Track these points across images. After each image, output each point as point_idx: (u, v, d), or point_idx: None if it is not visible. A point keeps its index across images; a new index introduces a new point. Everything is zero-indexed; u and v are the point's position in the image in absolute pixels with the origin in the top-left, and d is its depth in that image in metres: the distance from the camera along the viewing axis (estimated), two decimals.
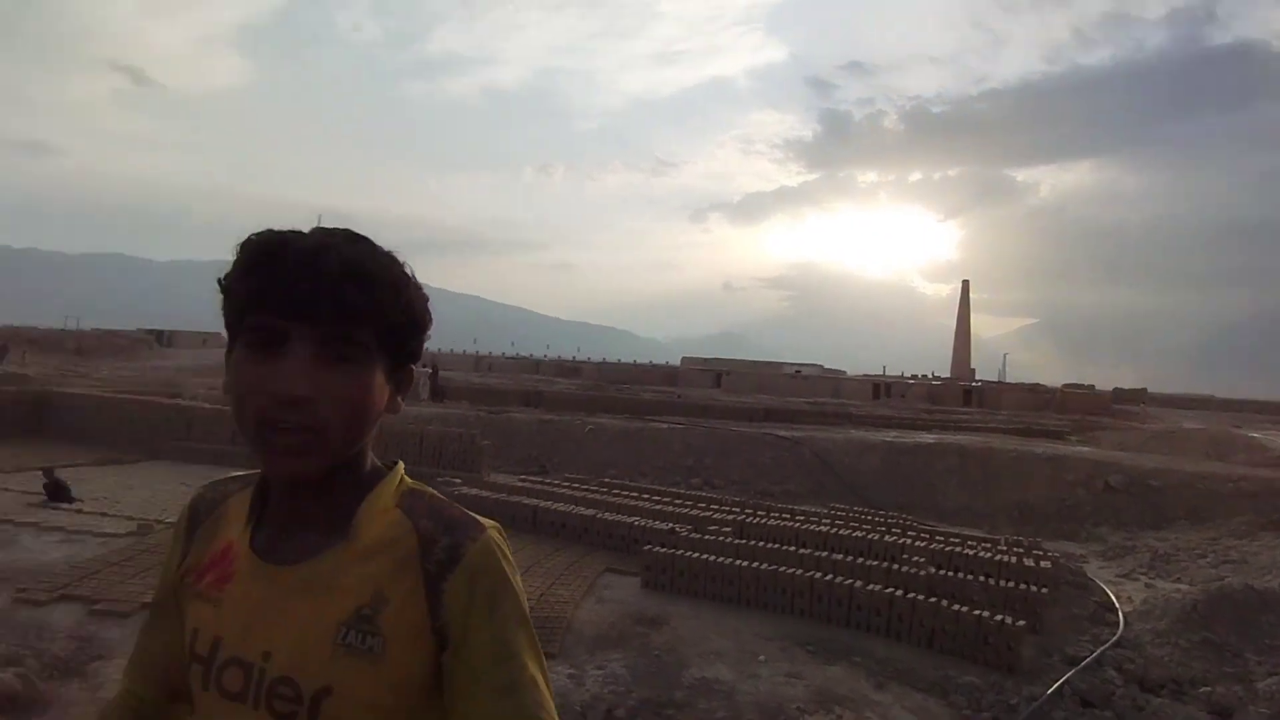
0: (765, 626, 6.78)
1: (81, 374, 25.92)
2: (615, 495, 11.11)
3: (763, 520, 9.47)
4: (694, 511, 9.90)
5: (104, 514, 9.22)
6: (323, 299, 0.76)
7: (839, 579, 7.01)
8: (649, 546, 7.82)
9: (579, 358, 55.81)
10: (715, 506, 10.72)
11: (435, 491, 0.90)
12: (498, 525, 0.87)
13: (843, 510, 11.17)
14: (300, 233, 0.81)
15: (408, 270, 0.85)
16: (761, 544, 8.19)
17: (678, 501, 11.02)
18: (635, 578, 7.67)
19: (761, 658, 6.15)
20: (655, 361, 59.79)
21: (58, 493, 9.75)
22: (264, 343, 0.78)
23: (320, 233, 0.82)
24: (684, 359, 62.30)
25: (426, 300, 0.87)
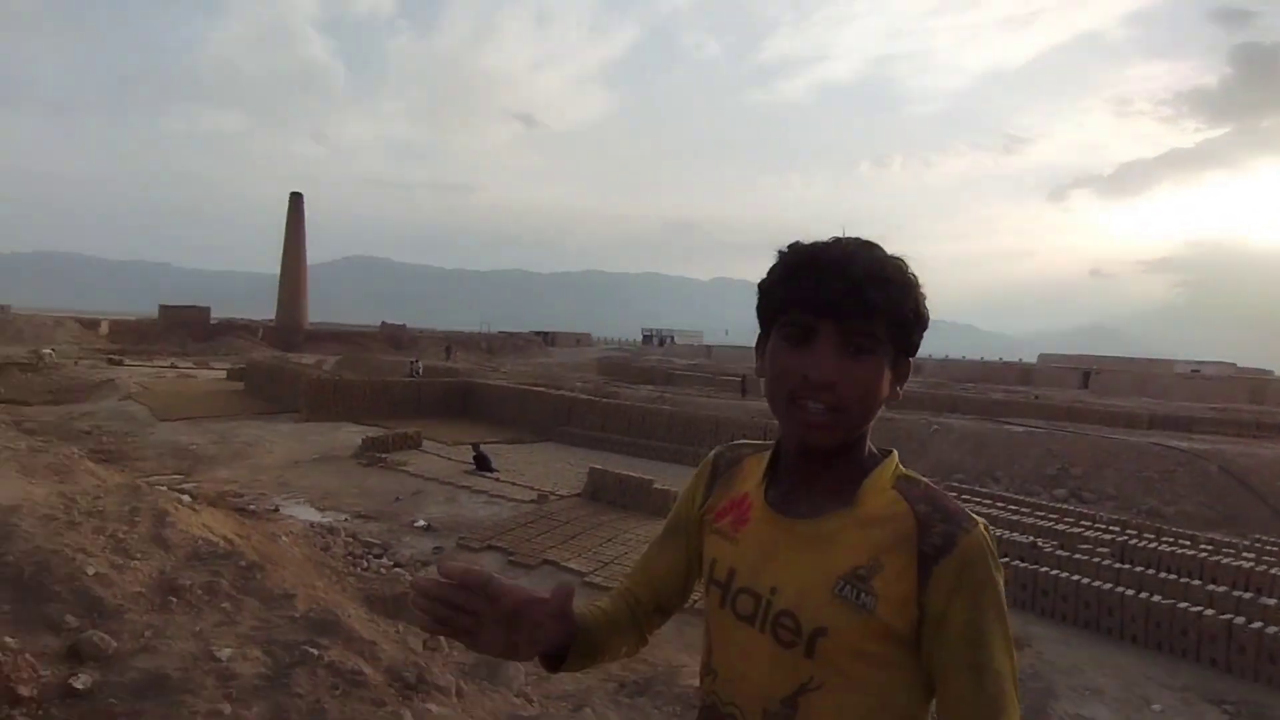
0: (1158, 669, 5.82)
1: (493, 368, 31.95)
2: (964, 500, 10.36)
3: (1151, 545, 8.06)
4: (1059, 526, 8.83)
5: (514, 483, 11.33)
6: (848, 300, 0.91)
7: (1273, 629, 5.70)
8: (1005, 559, 7.20)
9: (919, 355, 52.72)
10: (1087, 523, 9.41)
11: (929, 481, 0.99)
12: (986, 523, 0.94)
13: (1273, 544, 8.96)
14: (827, 243, 0.96)
15: (912, 273, 0.96)
16: (1150, 572, 7.00)
17: (1039, 513, 9.91)
18: None
19: (1156, 707, 5.31)
20: (1005, 358, 53.66)
21: (483, 463, 12.20)
22: (799, 336, 0.94)
23: (845, 242, 0.96)
24: (1041, 356, 54.86)
25: (924, 299, 0.97)
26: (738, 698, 0.99)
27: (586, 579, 7.20)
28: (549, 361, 43.55)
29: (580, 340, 62.45)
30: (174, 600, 4.05)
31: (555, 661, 1.04)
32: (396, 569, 7.47)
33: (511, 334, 60.71)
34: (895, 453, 1.02)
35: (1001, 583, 0.92)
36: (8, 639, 3.29)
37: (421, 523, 9.21)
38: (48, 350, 28.83)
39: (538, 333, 63.71)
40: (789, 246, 0.99)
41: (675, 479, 12.31)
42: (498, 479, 11.62)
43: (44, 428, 13.94)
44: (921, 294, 0.96)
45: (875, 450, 1.02)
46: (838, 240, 0.96)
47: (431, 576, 0.92)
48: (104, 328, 44.91)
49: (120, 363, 28.15)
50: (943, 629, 0.89)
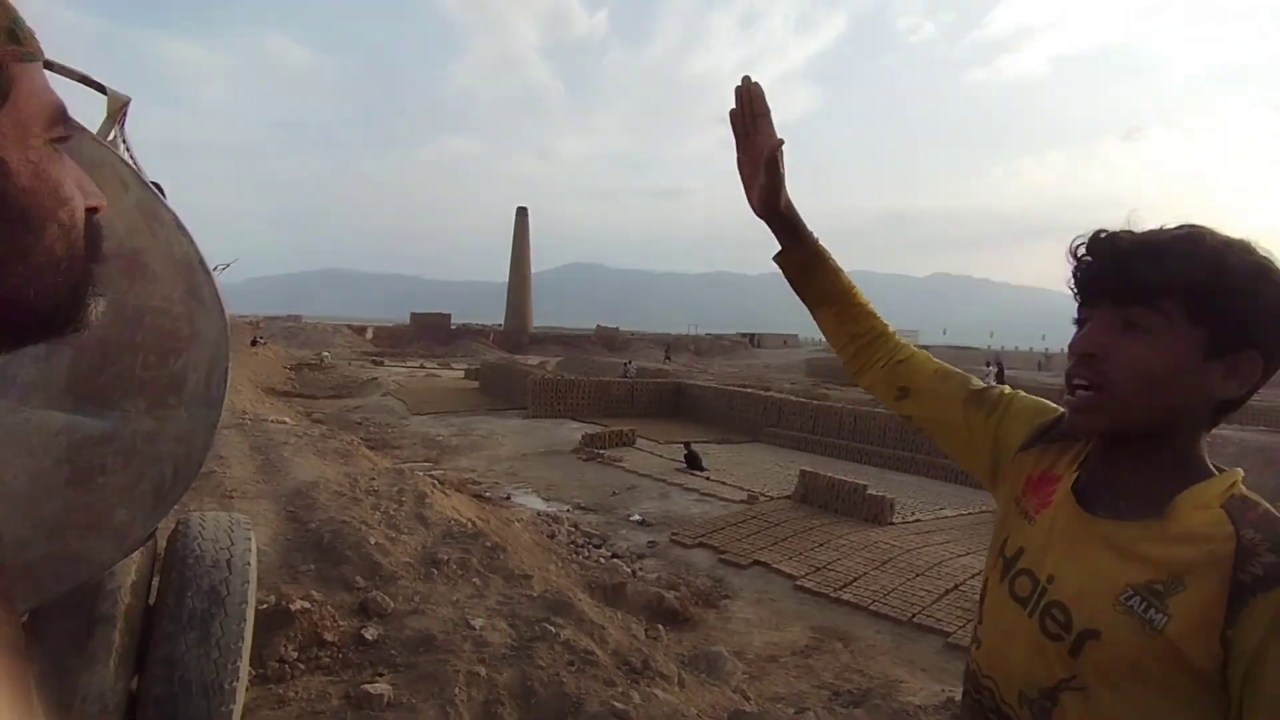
0: None
1: (701, 369, 32.56)
2: None
3: None
4: None
5: (723, 483, 11.47)
6: (1108, 275, 0.88)
7: None
8: None
9: None
10: None
11: (1273, 508, 0.86)
12: None
13: None
14: (1104, 229, 0.92)
15: (1238, 252, 0.84)
16: None
17: None
18: None
19: None
20: None
21: (693, 462, 12.50)
22: (1082, 320, 0.93)
23: (1124, 228, 0.91)
24: None
25: (1271, 283, 0.83)
26: (997, 674, 0.98)
27: (799, 582, 7.13)
28: (756, 363, 43.46)
29: (787, 342, 61.56)
30: (435, 571, 4.64)
31: (772, 229, 1.24)
32: (615, 560, 7.90)
33: (719, 336, 61.39)
34: (1239, 471, 0.91)
35: None
36: (314, 593, 3.97)
37: (636, 517, 9.64)
38: (326, 353, 34.21)
39: (744, 334, 63.78)
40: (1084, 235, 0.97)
41: (890, 485, 11.74)
42: (708, 478, 11.84)
43: (328, 418, 16.48)
44: (1260, 274, 0.83)
45: (1212, 465, 0.91)
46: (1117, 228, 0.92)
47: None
48: (369, 333, 52.17)
49: (381, 363, 32.60)
50: (1257, 672, 0.78)
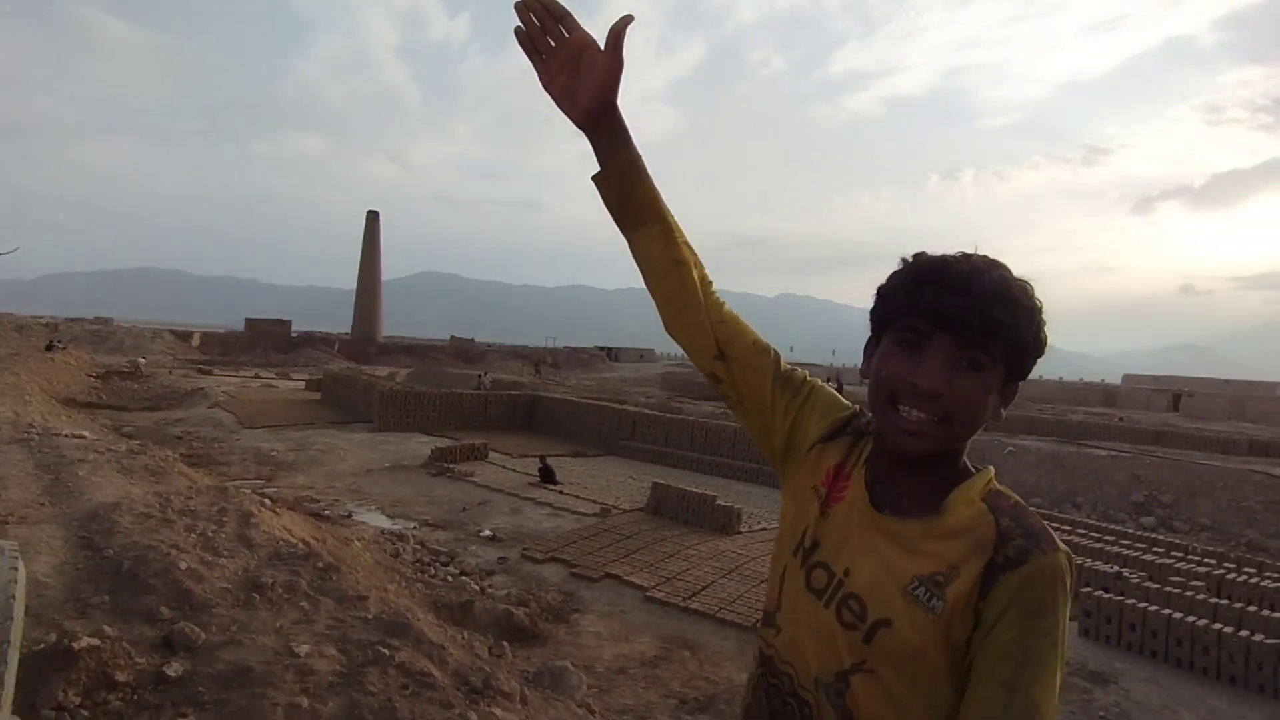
0: (1258, 714, 5.42)
1: (557, 382, 32.37)
2: None
3: (1253, 580, 7.53)
4: (1148, 556, 8.35)
5: (577, 496, 11.41)
6: (970, 316, 0.91)
7: None
8: (1088, 589, 6.85)
9: None
10: (1179, 554, 8.87)
11: (1021, 500, 0.98)
12: (1070, 554, 0.92)
13: None
14: (955, 257, 0.96)
15: (1038, 298, 0.96)
16: (1252, 608, 6.55)
17: (1125, 542, 9.39)
18: (1070, 622, 6.79)
19: None
20: (1086, 379, 51.29)
21: (548, 475, 12.34)
22: (912, 342, 0.95)
23: (974, 258, 0.96)
24: (1126, 376, 52.28)
25: (1045, 326, 0.96)
26: (795, 661, 1.03)
27: (649, 594, 7.19)
28: (613, 376, 43.86)
29: (644, 356, 62.67)
30: (257, 597, 4.24)
31: (597, 139, 1.13)
32: (463, 577, 7.61)
33: (576, 349, 61.42)
34: (991, 469, 1.02)
35: (1066, 618, 0.90)
36: (106, 628, 3.50)
37: (487, 532, 9.36)
38: (141, 360, 30.76)
39: (602, 348, 64.25)
40: (914, 256, 1.00)
41: (738, 495, 12.18)
42: (561, 491, 11.74)
43: (141, 432, 14.79)
44: (1043, 320, 0.96)
45: (971, 466, 1.02)
46: (966, 255, 0.97)
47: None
48: (196, 339, 47.55)
49: (210, 372, 29.75)
50: (989, 639, 0.88)
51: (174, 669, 3.25)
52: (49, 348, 25.86)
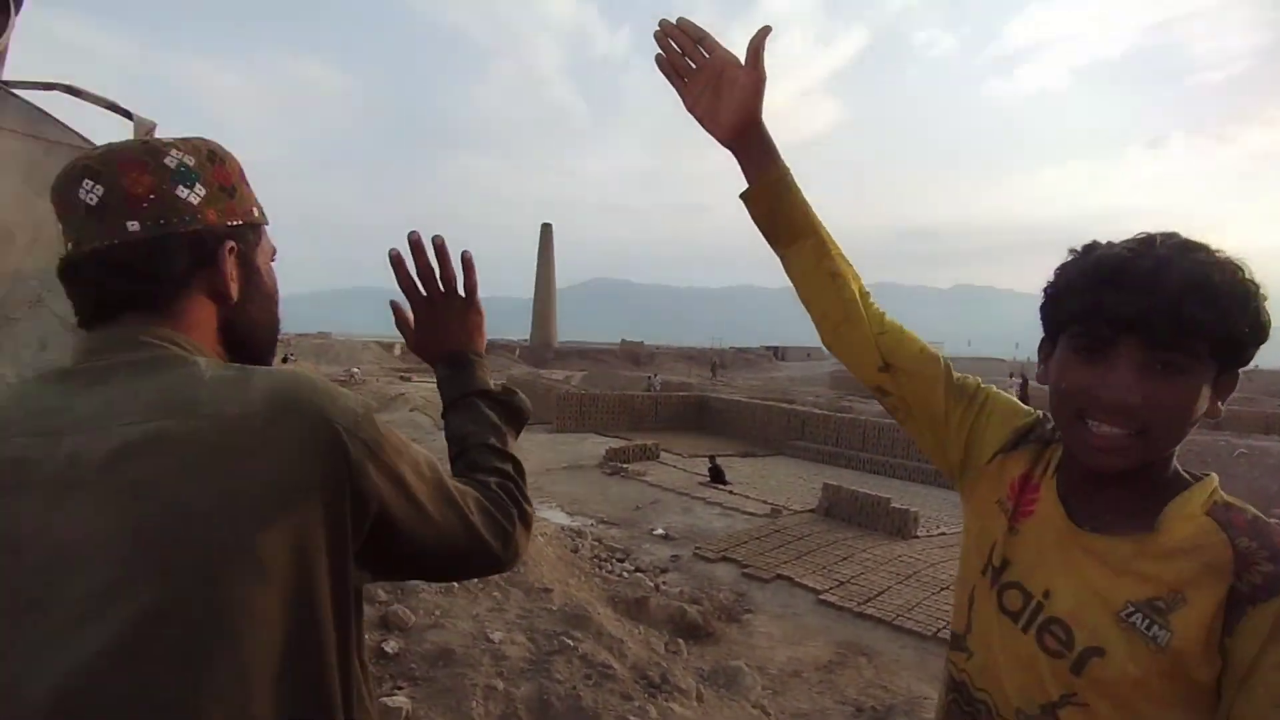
0: None
1: (725, 383, 32.47)
2: None
3: None
4: None
5: (747, 496, 11.42)
6: (1158, 317, 0.79)
7: None
8: None
9: None
10: None
11: (1259, 512, 0.86)
12: None
13: None
14: (1136, 248, 0.84)
15: (1249, 278, 0.82)
16: None
17: None
18: None
19: None
20: None
21: (717, 475, 12.45)
22: (1092, 348, 0.85)
23: (1160, 246, 0.83)
24: None
25: (1264, 305, 0.82)
26: (991, 688, 0.95)
27: (822, 596, 7.06)
28: (780, 376, 43.22)
29: (811, 355, 61.14)
30: (455, 585, 4.68)
31: (744, 156, 1.12)
32: (638, 574, 7.88)
33: (742, 349, 61.20)
34: (1214, 476, 0.89)
35: None
36: None
37: (660, 531, 9.62)
38: (355, 369, 34.70)
39: (768, 347, 63.48)
40: (1084, 248, 0.89)
41: (914, 498, 11.60)
42: (732, 491, 11.79)
43: None
44: (1262, 300, 0.82)
45: (1185, 472, 0.90)
46: (1150, 242, 0.84)
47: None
48: (397, 350, 52.77)
49: (409, 379, 32.95)
50: (1249, 682, 0.77)
51: (391, 645, 3.69)
52: (284, 360, 29.86)
